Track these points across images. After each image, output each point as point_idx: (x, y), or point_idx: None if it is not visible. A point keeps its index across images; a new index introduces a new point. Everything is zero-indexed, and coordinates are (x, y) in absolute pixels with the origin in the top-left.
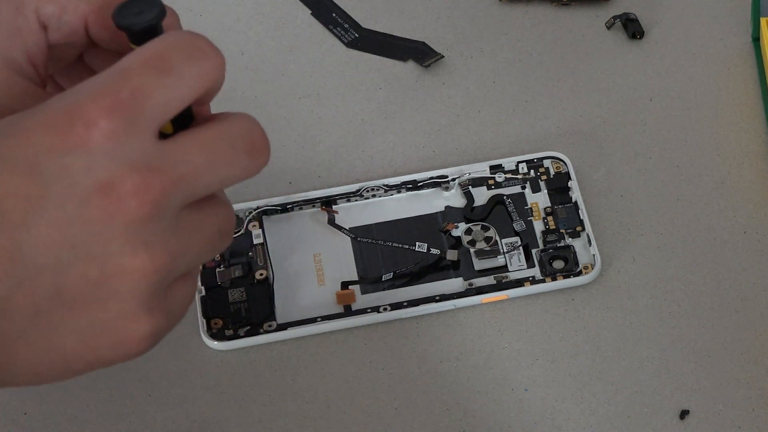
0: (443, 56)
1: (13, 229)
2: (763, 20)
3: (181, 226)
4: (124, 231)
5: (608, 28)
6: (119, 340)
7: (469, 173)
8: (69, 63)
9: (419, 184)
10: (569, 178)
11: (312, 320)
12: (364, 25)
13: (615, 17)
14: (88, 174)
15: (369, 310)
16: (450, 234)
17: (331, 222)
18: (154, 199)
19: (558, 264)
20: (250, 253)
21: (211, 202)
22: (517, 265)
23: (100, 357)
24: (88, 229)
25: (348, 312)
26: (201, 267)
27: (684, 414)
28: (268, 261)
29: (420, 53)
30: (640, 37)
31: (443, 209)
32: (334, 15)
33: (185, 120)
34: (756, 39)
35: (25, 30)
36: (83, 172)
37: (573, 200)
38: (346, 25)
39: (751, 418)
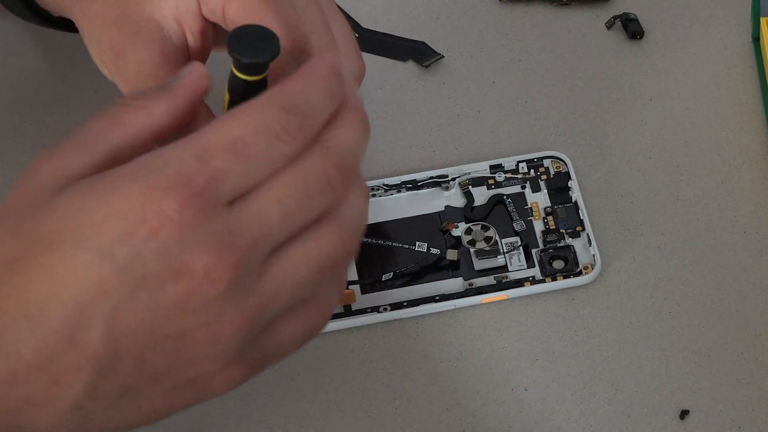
0: (443, 56)
1: (92, 322)
2: (763, 20)
3: (267, 277)
4: (199, 309)
5: (608, 28)
6: (207, 391)
7: (469, 173)
8: None
9: (419, 184)
10: (569, 178)
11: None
12: (364, 25)
13: (615, 17)
14: (160, 261)
15: (369, 310)
16: (450, 234)
17: None
18: (227, 275)
19: (558, 264)
20: None
21: (297, 240)
22: (517, 265)
23: (189, 403)
24: (163, 313)
25: (348, 312)
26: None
27: (684, 414)
28: None
29: (420, 53)
30: (640, 37)
31: (443, 209)
32: None
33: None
34: (756, 39)
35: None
36: (156, 260)
37: (573, 200)
38: None
39: (751, 418)
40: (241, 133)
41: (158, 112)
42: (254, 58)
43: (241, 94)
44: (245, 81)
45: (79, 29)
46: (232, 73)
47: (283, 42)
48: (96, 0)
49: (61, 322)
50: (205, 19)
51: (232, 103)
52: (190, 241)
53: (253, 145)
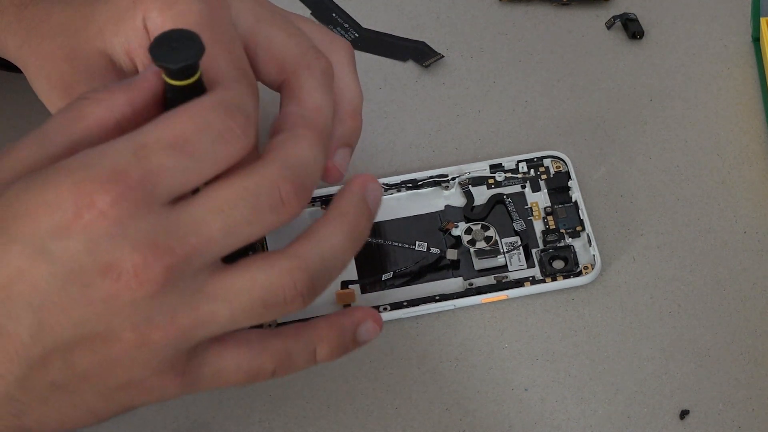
0: (443, 56)
1: (21, 313)
2: (763, 20)
3: (205, 295)
4: (127, 309)
5: (608, 28)
6: (140, 397)
7: (469, 172)
8: None
9: (419, 183)
10: (569, 178)
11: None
12: (364, 25)
13: (615, 17)
14: (91, 256)
15: None
16: (450, 233)
17: None
18: (157, 277)
19: (558, 264)
20: (250, 252)
21: (248, 264)
22: (517, 265)
23: (126, 406)
24: (91, 309)
25: None
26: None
27: (684, 414)
28: None
29: (420, 53)
30: (640, 37)
31: (443, 208)
32: (334, 15)
33: None
34: (756, 39)
35: (130, 25)
36: (86, 254)
37: (573, 200)
38: (346, 25)
39: (751, 418)
40: (183, 130)
41: (118, 106)
42: (180, 62)
43: (179, 101)
44: (179, 87)
45: (23, 68)
46: (165, 82)
47: (225, 65)
48: (45, 37)
49: None
50: None
51: (171, 89)
52: (121, 237)
53: (195, 142)
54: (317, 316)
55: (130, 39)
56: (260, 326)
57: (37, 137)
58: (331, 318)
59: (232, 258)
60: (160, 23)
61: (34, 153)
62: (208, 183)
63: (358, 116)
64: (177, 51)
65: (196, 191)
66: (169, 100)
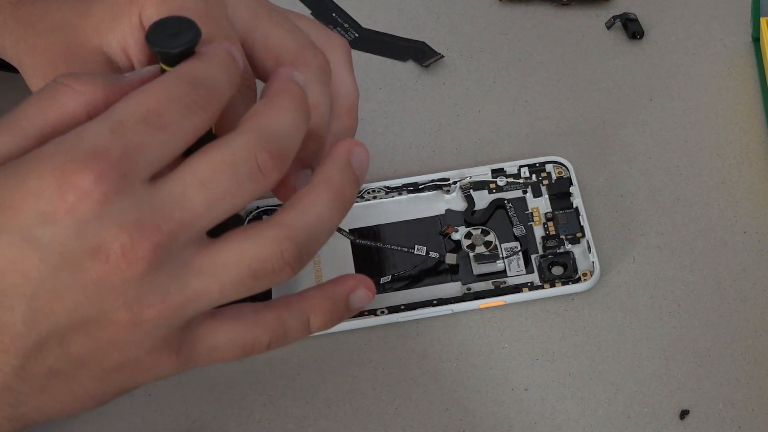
0: (443, 56)
1: (14, 303)
2: (763, 20)
3: (194, 270)
4: (118, 290)
5: (608, 28)
6: (137, 376)
7: (470, 176)
8: None
9: (420, 187)
10: (571, 183)
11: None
12: (364, 25)
13: (615, 17)
14: (79, 240)
15: (366, 313)
16: (450, 237)
17: None
18: (145, 256)
19: (557, 270)
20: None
21: (235, 237)
22: (516, 271)
23: (123, 388)
24: (83, 293)
25: None
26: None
27: (684, 414)
28: None
29: (420, 53)
30: (640, 37)
31: (444, 212)
32: (334, 15)
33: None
34: (756, 39)
35: (126, 22)
36: (74, 238)
37: (574, 206)
38: (346, 25)
39: (751, 418)
40: (154, 104)
41: (95, 99)
42: (174, 47)
43: None
44: None
45: (19, 67)
46: (160, 68)
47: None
48: (41, 35)
49: None
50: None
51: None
52: (107, 216)
53: (167, 115)
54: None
55: (126, 36)
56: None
57: (8, 125)
58: (323, 287)
59: (217, 233)
60: (156, 18)
61: (5, 142)
62: (186, 157)
63: (354, 113)
64: (174, 37)
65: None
66: None
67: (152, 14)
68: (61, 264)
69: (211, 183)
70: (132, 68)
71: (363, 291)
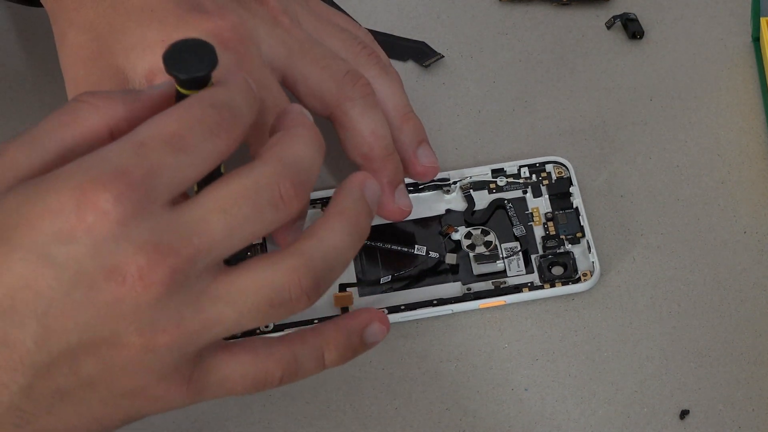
0: (443, 56)
1: (25, 320)
2: (763, 20)
3: (210, 297)
4: (132, 313)
5: (608, 28)
6: (146, 405)
7: (471, 176)
8: None
9: (420, 187)
10: (571, 184)
11: (309, 322)
12: (364, 25)
13: (615, 17)
14: (95, 259)
15: None
16: (450, 237)
17: None
18: (162, 280)
19: (557, 270)
20: (249, 254)
21: (252, 265)
22: (515, 271)
23: (131, 416)
24: (96, 313)
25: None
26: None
27: (684, 414)
28: None
29: (420, 53)
30: (640, 37)
31: (444, 212)
32: None
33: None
34: (756, 39)
35: (159, 53)
36: (90, 258)
37: (574, 206)
38: None
39: (751, 418)
40: (177, 127)
41: (116, 115)
42: (193, 73)
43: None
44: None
45: (54, 29)
46: (176, 91)
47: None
48: (73, 26)
49: None
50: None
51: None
52: (125, 238)
53: (189, 137)
54: (317, 319)
55: (153, 65)
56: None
57: (28, 141)
58: (337, 321)
59: (233, 261)
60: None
61: (27, 158)
62: (207, 184)
63: (409, 117)
64: (190, 61)
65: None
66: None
67: None
68: (76, 283)
69: (232, 210)
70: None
71: (378, 326)
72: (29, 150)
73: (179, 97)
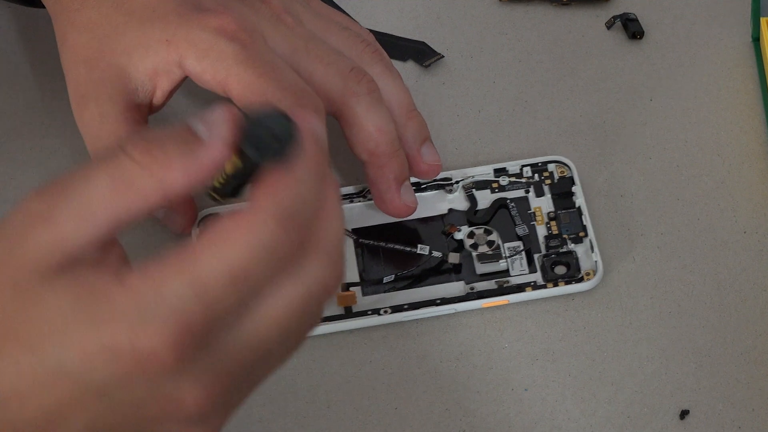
0: (443, 56)
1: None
2: (763, 20)
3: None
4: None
5: (608, 28)
6: None
7: (473, 176)
8: None
9: (422, 186)
10: (573, 183)
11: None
12: (365, 25)
13: (615, 17)
14: (146, 391)
15: (369, 313)
16: (452, 237)
17: None
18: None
19: (560, 269)
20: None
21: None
22: (518, 270)
23: None
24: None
25: (348, 314)
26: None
27: (684, 414)
28: None
29: (420, 53)
30: (640, 37)
31: (446, 212)
32: None
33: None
34: (756, 39)
35: (162, 56)
36: (143, 391)
37: (576, 205)
38: None
39: (751, 418)
40: (240, 259)
41: (174, 184)
42: (272, 155)
43: (254, 174)
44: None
45: (56, 30)
46: (243, 154)
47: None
48: (75, 26)
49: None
50: (179, 82)
51: (239, 175)
52: (180, 378)
53: (254, 270)
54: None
55: (158, 66)
56: None
57: (78, 211)
58: None
59: (230, 192)
60: (200, 70)
61: (76, 231)
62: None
63: (413, 113)
64: (267, 141)
65: None
66: (241, 169)
67: (194, 65)
68: (130, 415)
69: (286, 321)
70: (151, 95)
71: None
72: (79, 221)
73: (245, 162)
